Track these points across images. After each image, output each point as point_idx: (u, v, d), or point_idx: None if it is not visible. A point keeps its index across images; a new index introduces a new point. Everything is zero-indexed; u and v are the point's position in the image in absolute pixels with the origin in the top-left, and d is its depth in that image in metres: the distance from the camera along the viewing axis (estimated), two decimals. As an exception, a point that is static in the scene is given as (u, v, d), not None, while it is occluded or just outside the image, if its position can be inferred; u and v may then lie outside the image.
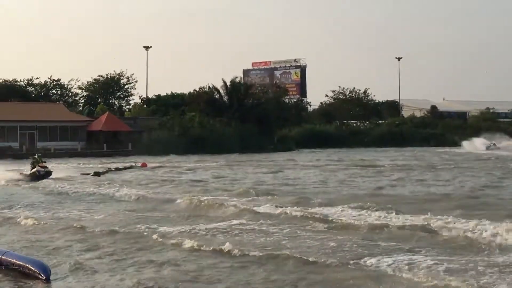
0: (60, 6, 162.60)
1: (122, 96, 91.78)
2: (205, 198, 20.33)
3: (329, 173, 32.34)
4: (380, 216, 15.54)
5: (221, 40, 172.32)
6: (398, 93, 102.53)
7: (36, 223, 15.98)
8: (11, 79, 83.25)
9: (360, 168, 36.43)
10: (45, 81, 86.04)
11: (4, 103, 67.68)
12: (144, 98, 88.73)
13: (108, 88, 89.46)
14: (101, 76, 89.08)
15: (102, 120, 66.47)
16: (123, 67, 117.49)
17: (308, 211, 16.54)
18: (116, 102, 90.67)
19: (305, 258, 11.11)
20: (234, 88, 71.28)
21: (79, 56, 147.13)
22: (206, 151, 57.71)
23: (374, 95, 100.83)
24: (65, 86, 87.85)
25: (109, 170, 36.05)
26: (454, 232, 13.27)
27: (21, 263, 10.56)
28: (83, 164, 43.75)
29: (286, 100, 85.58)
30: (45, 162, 31.49)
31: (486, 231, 13.00)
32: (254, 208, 17.67)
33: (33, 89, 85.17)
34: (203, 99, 71.42)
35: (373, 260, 10.85)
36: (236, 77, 73.69)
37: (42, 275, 10.12)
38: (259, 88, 79.08)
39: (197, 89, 77.22)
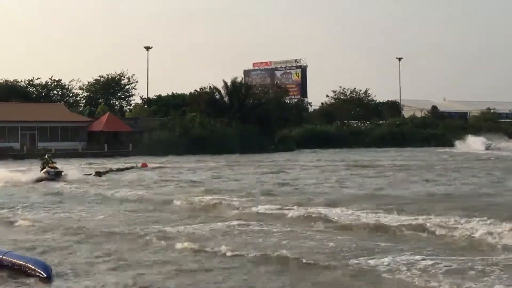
0: (60, 6, 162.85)
1: (122, 96, 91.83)
2: (206, 198, 20.37)
3: (330, 174, 32.33)
4: (380, 217, 15.56)
5: (222, 40, 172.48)
6: (398, 93, 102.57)
7: (36, 223, 16.01)
8: (12, 80, 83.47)
9: (361, 168, 36.44)
10: (46, 82, 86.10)
11: (5, 104, 67.86)
12: (145, 98, 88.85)
13: (109, 89, 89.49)
14: (102, 76, 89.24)
15: (103, 120, 66.51)
16: (124, 68, 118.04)
17: (308, 212, 16.56)
18: (116, 103, 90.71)
19: (305, 258, 11.12)
20: (234, 88, 71.25)
21: (80, 56, 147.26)
22: (207, 152, 57.68)
23: (375, 95, 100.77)
24: (66, 86, 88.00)
25: (110, 170, 36.20)
26: (454, 232, 13.29)
27: (22, 262, 10.58)
28: (84, 164, 43.78)
29: (287, 101, 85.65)
30: (55, 162, 31.65)
31: (486, 231, 13.01)
32: (254, 209, 17.71)
33: (34, 89, 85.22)
34: (203, 100, 71.39)
35: (372, 261, 10.85)
36: (237, 78, 73.88)
37: (44, 274, 10.16)
38: (259, 89, 79.12)
39: (198, 90, 77.43)
